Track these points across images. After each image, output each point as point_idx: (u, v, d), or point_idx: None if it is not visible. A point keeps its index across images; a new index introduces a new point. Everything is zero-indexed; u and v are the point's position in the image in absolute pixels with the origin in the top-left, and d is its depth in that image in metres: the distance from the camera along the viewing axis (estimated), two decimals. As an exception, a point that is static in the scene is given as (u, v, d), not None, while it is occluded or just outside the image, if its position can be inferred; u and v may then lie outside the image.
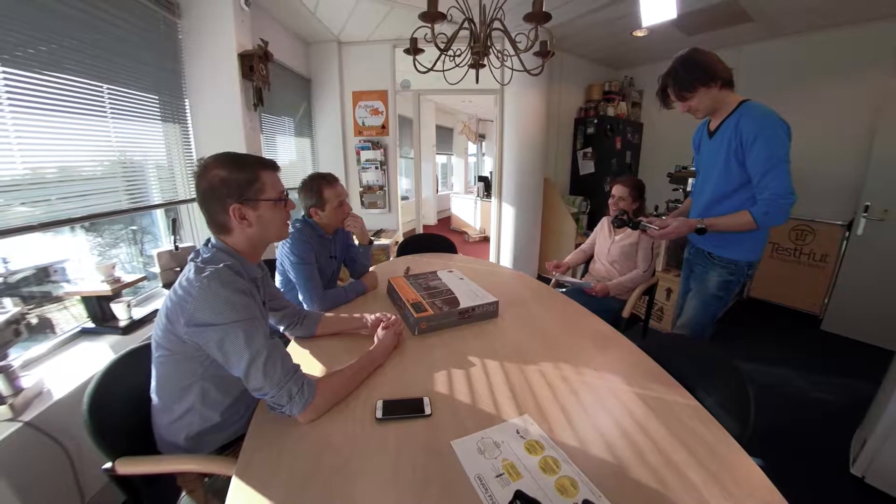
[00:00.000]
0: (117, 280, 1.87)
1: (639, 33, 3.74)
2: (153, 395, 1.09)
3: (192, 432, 1.08)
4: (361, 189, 4.21)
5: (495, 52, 1.92)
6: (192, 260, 1.02)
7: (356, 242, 2.07)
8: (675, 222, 1.65)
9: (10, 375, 1.31)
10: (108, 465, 0.99)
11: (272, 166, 1.09)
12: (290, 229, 1.79)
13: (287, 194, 1.13)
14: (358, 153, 4.11)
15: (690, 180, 3.53)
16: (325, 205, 1.82)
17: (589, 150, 4.69)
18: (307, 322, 1.47)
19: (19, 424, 1.27)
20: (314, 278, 1.74)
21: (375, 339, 1.35)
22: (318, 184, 1.81)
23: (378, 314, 1.48)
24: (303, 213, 1.89)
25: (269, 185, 1.06)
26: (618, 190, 2.32)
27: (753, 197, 1.56)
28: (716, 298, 1.76)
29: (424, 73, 1.93)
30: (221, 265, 0.98)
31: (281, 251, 1.80)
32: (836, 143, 3.42)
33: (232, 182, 1.00)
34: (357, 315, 1.51)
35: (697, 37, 3.78)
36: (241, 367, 0.94)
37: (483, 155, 10.65)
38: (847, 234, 3.25)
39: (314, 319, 1.49)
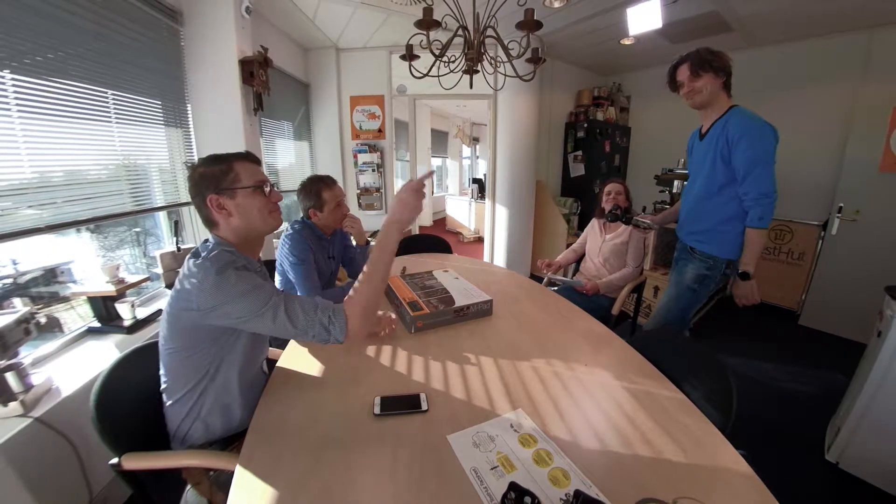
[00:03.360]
0: (121, 281, 1.85)
1: (626, 41, 3.75)
2: (163, 390, 1.09)
3: (201, 424, 1.09)
4: (359, 191, 4.19)
5: (488, 58, 1.92)
6: (190, 257, 1.02)
7: (354, 243, 2.07)
8: (744, 288, 1.63)
9: (21, 373, 1.30)
10: (115, 460, 0.98)
11: (248, 157, 1.09)
12: (290, 230, 1.79)
13: (270, 184, 1.10)
14: (355, 156, 4.09)
15: (676, 182, 3.56)
16: (324, 206, 1.81)
17: (579, 153, 4.70)
18: None
19: (29, 420, 1.27)
20: (312, 278, 1.74)
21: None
22: (317, 186, 1.81)
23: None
24: (301, 214, 1.89)
25: (245, 174, 1.04)
26: (612, 186, 2.36)
27: (737, 195, 1.59)
28: (689, 291, 1.79)
29: (420, 78, 1.93)
30: (218, 250, 1.00)
31: (280, 252, 1.79)
32: (811, 147, 3.46)
33: (209, 175, 1.02)
34: None
35: (682, 45, 3.80)
36: (269, 325, 0.95)
37: (477, 158, 10.65)
38: (822, 233, 3.29)
39: None
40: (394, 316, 1.46)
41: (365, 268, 1.05)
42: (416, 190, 1.05)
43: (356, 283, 1.05)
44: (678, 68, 1.70)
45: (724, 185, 1.64)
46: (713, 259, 1.73)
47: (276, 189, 1.13)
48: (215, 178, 1.02)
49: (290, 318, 0.95)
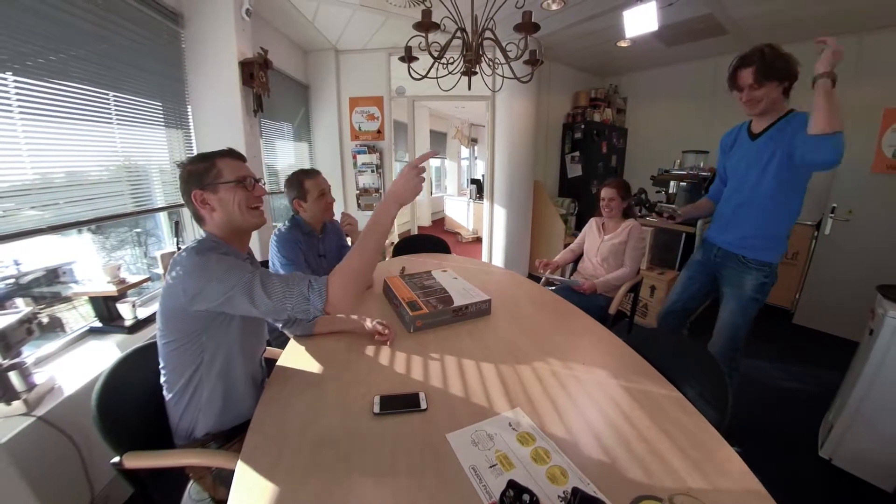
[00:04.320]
0: (122, 281, 1.85)
1: (622, 44, 3.76)
2: (164, 386, 1.10)
3: (201, 415, 1.09)
4: (358, 192, 4.19)
5: (487, 60, 1.92)
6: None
7: (349, 242, 2.07)
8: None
9: (24, 372, 1.30)
10: (116, 459, 0.98)
11: (231, 154, 1.11)
12: (278, 229, 1.81)
13: (255, 179, 1.13)
14: (354, 157, 4.10)
15: (672, 183, 3.57)
16: (307, 195, 1.82)
17: (576, 153, 4.71)
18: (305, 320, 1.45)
19: (32, 419, 1.27)
20: None
21: (366, 325, 1.40)
22: (299, 176, 1.83)
23: (376, 321, 1.45)
24: (293, 211, 1.90)
25: (227, 170, 1.07)
26: (607, 192, 2.34)
27: (794, 198, 1.61)
28: (753, 301, 1.74)
29: (418, 80, 1.93)
30: (203, 239, 1.05)
31: (271, 252, 1.80)
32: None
33: (194, 172, 1.06)
34: (355, 317, 1.50)
35: (677, 48, 3.81)
36: (245, 301, 0.95)
37: (475, 158, 10.65)
38: (816, 233, 3.30)
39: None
40: (388, 331, 1.42)
41: (358, 240, 1.03)
42: (416, 168, 1.03)
43: (346, 256, 1.05)
44: (740, 70, 1.56)
45: (785, 186, 1.59)
46: (769, 266, 1.69)
47: (261, 184, 1.15)
48: (199, 174, 1.06)
49: (266, 290, 0.95)
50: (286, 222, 1.86)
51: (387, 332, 1.41)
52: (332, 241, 2.06)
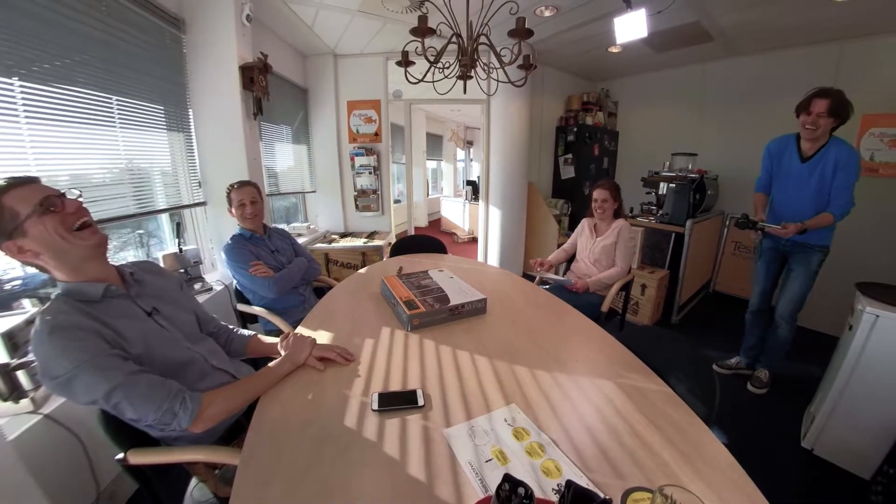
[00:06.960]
0: (127, 281, 1.84)
1: (613, 49, 3.78)
2: None
3: (182, 438, 1.05)
4: (356, 193, 4.18)
5: (481, 64, 1.93)
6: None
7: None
8: (792, 226, 2.05)
9: (31, 371, 1.29)
10: (121, 455, 0.98)
11: (15, 184, 0.87)
12: (227, 242, 1.91)
13: (59, 194, 0.92)
14: (352, 159, 4.08)
15: (662, 184, 3.59)
16: (231, 205, 1.96)
17: (569, 156, 4.72)
18: (235, 343, 1.36)
19: (39, 417, 1.27)
20: (258, 273, 1.87)
21: (281, 352, 1.23)
22: (228, 190, 1.97)
23: (336, 349, 1.28)
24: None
25: (20, 204, 0.85)
26: (600, 193, 2.36)
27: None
28: (815, 274, 2.23)
29: (415, 83, 1.93)
30: (48, 305, 0.90)
31: (227, 266, 1.92)
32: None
33: None
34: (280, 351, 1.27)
35: (666, 54, 3.83)
36: (110, 403, 0.86)
37: (471, 160, 10.66)
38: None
39: (242, 341, 1.37)
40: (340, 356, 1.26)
41: (246, 379, 1.11)
42: (311, 342, 1.24)
43: (230, 385, 1.07)
44: (817, 99, 1.92)
45: (827, 192, 2.05)
46: (827, 247, 2.18)
47: (70, 196, 0.94)
48: None
49: (132, 399, 0.87)
50: (230, 238, 1.96)
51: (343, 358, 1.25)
52: (279, 241, 2.15)
